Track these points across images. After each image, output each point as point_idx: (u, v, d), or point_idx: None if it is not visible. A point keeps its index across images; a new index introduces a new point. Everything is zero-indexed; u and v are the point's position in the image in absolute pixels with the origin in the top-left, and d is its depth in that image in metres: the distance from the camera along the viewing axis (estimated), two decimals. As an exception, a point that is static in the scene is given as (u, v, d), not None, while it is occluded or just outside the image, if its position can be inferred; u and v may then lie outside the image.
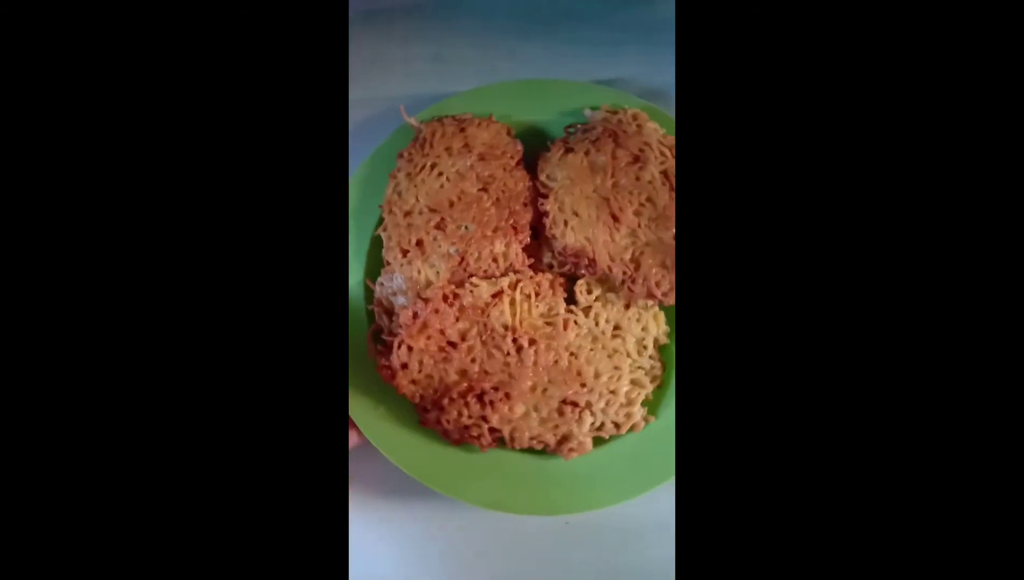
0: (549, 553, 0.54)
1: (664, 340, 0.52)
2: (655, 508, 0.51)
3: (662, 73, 0.60)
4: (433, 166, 0.54)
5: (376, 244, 0.55)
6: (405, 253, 0.53)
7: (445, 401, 0.49)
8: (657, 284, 0.51)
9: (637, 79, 0.61)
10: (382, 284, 0.53)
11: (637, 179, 0.53)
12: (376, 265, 0.55)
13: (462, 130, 0.55)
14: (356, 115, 0.60)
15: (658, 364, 0.51)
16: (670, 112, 0.56)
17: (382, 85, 0.62)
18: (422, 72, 0.64)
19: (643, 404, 0.51)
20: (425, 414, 0.50)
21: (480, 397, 0.49)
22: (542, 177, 0.54)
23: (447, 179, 0.54)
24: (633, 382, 0.51)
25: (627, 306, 0.52)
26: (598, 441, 0.50)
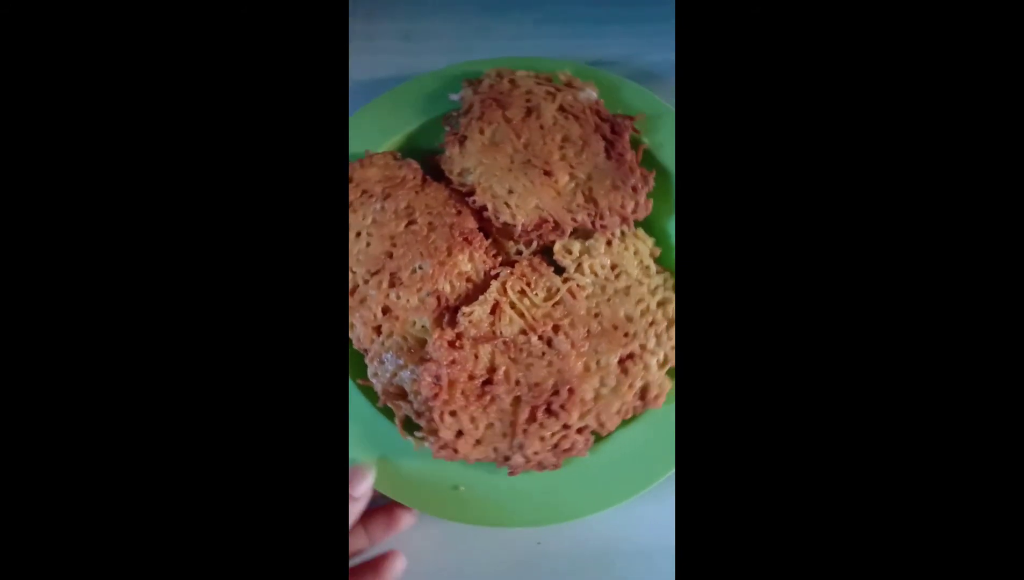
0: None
1: (657, 251, 0.50)
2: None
3: (657, 53, 0.56)
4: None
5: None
6: (378, 330, 0.46)
7: (521, 438, 0.44)
8: (622, 206, 0.49)
9: (628, 60, 0.56)
10: (376, 374, 0.46)
11: (541, 127, 0.50)
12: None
13: (349, 180, 0.49)
14: None
15: (666, 273, 0.50)
16: (665, 99, 0.51)
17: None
18: (387, 49, 0.58)
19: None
20: (511, 463, 0.45)
21: (548, 409, 0.45)
22: (455, 177, 0.50)
23: (369, 235, 0.48)
24: (660, 303, 0.49)
25: (608, 243, 0.49)
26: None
